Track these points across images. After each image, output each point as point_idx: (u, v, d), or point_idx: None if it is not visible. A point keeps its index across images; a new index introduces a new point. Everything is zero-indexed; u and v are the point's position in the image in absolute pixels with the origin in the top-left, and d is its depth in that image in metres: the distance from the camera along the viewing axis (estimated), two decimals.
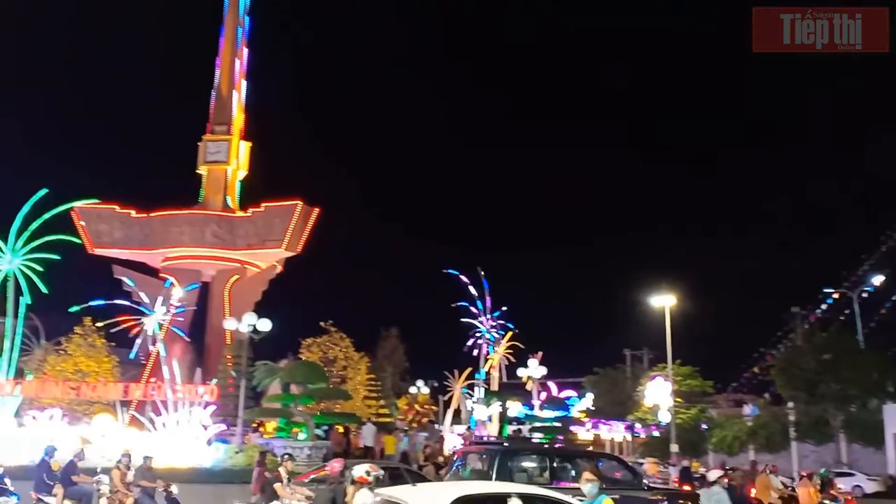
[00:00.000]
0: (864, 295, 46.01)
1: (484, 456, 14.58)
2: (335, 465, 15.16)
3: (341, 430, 35.19)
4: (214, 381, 36.16)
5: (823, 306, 46.68)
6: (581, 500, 8.65)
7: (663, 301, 40.36)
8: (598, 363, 52.97)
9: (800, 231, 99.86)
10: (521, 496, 8.36)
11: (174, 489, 15.66)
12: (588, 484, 7.44)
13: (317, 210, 46.88)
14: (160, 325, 33.93)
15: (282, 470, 15.08)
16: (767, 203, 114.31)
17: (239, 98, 49.47)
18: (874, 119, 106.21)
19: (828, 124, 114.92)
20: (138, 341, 38.58)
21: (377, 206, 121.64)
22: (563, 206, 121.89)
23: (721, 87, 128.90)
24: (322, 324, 43.32)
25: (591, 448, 19.54)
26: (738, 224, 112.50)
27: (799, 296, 48.39)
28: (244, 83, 49.85)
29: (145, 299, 35.25)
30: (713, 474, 14.76)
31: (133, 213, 47.44)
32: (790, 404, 41.05)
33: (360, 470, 9.75)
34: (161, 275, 44.77)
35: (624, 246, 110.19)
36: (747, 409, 45.29)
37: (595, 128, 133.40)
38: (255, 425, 36.31)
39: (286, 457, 15.80)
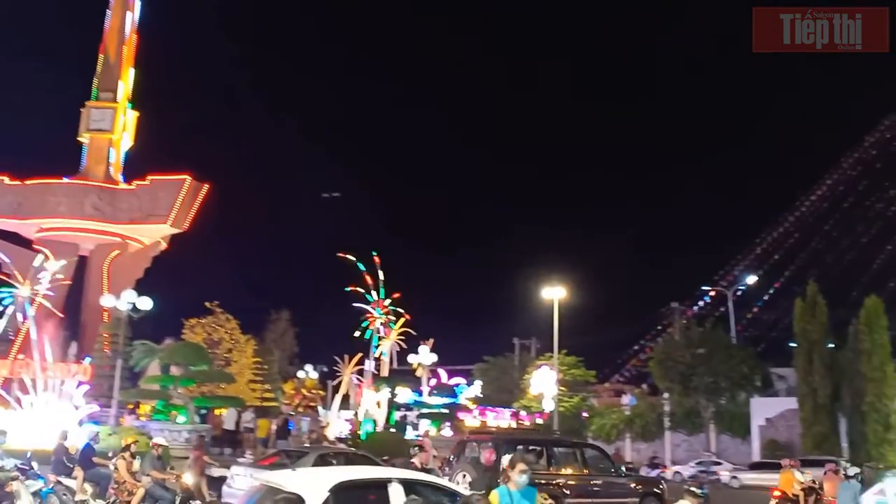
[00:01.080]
0: (738, 293, 48.67)
1: (487, 444, 15.21)
2: (488, 454, 14.44)
3: (221, 413, 34.27)
4: (88, 359, 34.40)
5: (701, 303, 49.09)
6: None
7: (553, 293, 41.37)
8: (489, 352, 53.91)
9: (684, 231, 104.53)
10: (403, 481, 8.25)
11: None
12: (521, 475, 7.36)
13: (206, 186, 45.25)
14: (31, 300, 31.94)
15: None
16: (655, 203, 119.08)
17: (128, 63, 46.94)
18: (758, 117, 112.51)
19: (714, 124, 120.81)
20: (6, 316, 36.24)
21: (274, 186, 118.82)
22: (462, 196, 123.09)
23: (615, 78, 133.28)
24: (207, 304, 41.88)
25: (559, 438, 20.24)
26: (626, 222, 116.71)
27: (680, 293, 50.81)
28: (134, 45, 47.34)
29: (15, 272, 33.11)
30: (852, 470, 15.65)
31: (6, 179, 44.44)
32: (665, 395, 43.11)
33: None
34: (35, 247, 42.14)
35: (517, 239, 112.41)
36: (626, 399, 47.17)
37: (488, 121, 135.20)
38: (130, 407, 34.86)
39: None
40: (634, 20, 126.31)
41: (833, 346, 36.48)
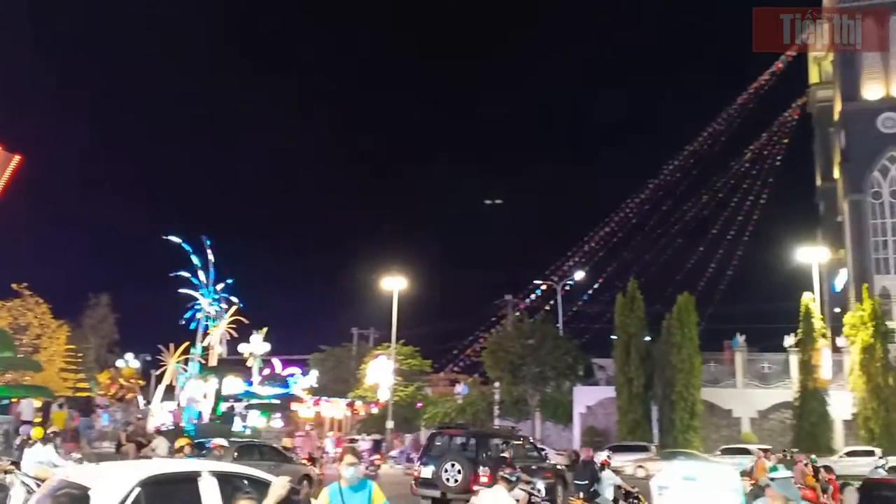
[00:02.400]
0: (567, 288, 50.98)
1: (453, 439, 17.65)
2: (587, 452, 14.97)
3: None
4: None
5: (533, 296, 50.86)
6: None
7: (393, 284, 41.47)
8: (328, 341, 53.10)
9: (520, 226, 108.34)
10: (216, 474, 7.73)
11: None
12: (349, 468, 6.89)
13: (18, 157, 41.15)
14: None
15: None
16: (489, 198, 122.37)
17: None
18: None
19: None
20: None
21: (100, 162, 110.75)
22: (302, 183, 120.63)
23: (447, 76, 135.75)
24: (15, 286, 38.13)
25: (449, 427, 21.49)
26: (465, 216, 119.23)
27: (515, 286, 52.46)
28: None
29: None
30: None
31: None
32: (497, 384, 44.42)
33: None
34: None
35: (359, 230, 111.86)
36: (459, 388, 48.14)
37: (334, 113, 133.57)
38: None
39: None
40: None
41: (649, 338, 39.14)
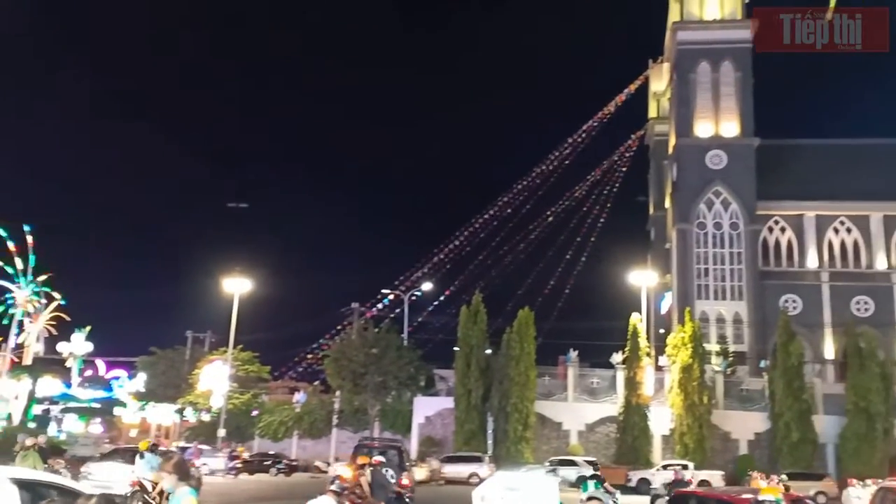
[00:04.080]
0: (414, 298, 51.24)
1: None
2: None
3: None
4: None
5: (380, 305, 50.70)
6: None
7: (235, 286, 39.90)
8: (159, 343, 50.11)
9: (374, 235, 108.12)
10: (17, 481, 7.06)
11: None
12: (166, 480, 6.32)
13: None
14: None
15: None
16: (344, 209, 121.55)
17: None
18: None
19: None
20: None
21: None
22: (139, 180, 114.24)
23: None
24: None
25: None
26: (315, 223, 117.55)
27: (364, 295, 52.09)
28: None
29: None
30: None
31: None
32: (338, 393, 43.76)
33: None
34: None
35: (200, 229, 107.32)
36: (297, 396, 47.02)
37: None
38: None
39: None
40: None
41: (490, 351, 39.98)
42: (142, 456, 16.19)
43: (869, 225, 51.47)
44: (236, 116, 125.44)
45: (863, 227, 51.61)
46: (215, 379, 43.44)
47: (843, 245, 51.89)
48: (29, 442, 16.30)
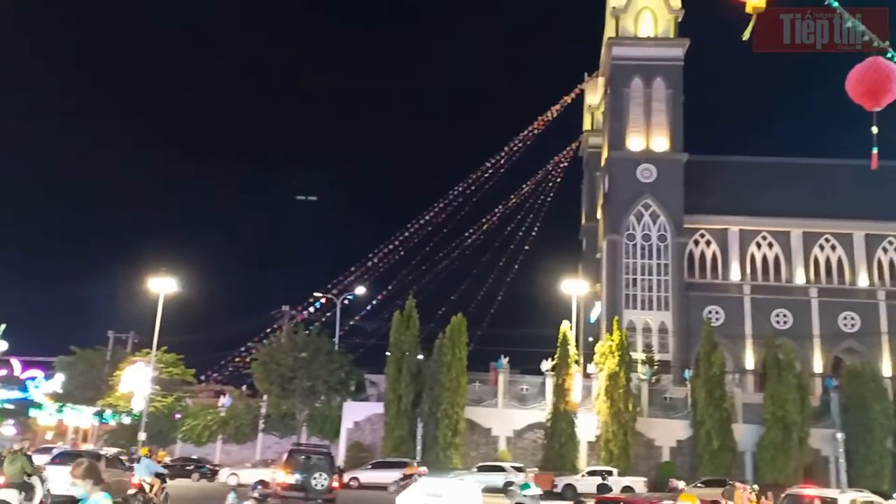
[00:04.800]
0: (347, 302, 50.74)
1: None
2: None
3: None
4: None
5: (312, 308, 49.99)
6: None
7: (161, 286, 38.77)
8: (79, 343, 48.19)
9: (306, 239, 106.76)
10: None
11: None
12: (79, 486, 6.02)
13: None
14: None
15: None
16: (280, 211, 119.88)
17: None
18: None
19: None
20: None
21: None
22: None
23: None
24: None
25: None
26: (246, 225, 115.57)
27: (296, 297, 51.31)
28: None
29: None
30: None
31: None
32: (265, 397, 42.98)
33: None
34: None
35: (124, 225, 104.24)
36: (223, 400, 45.95)
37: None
38: None
39: None
40: None
41: (422, 356, 39.93)
42: (139, 461, 18.47)
43: (789, 240, 53.51)
44: (174, 109, 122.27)
45: (783, 242, 53.62)
46: (137, 381, 41.98)
47: (764, 259, 53.79)
48: (16, 446, 16.76)
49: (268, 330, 46.54)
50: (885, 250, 53.30)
